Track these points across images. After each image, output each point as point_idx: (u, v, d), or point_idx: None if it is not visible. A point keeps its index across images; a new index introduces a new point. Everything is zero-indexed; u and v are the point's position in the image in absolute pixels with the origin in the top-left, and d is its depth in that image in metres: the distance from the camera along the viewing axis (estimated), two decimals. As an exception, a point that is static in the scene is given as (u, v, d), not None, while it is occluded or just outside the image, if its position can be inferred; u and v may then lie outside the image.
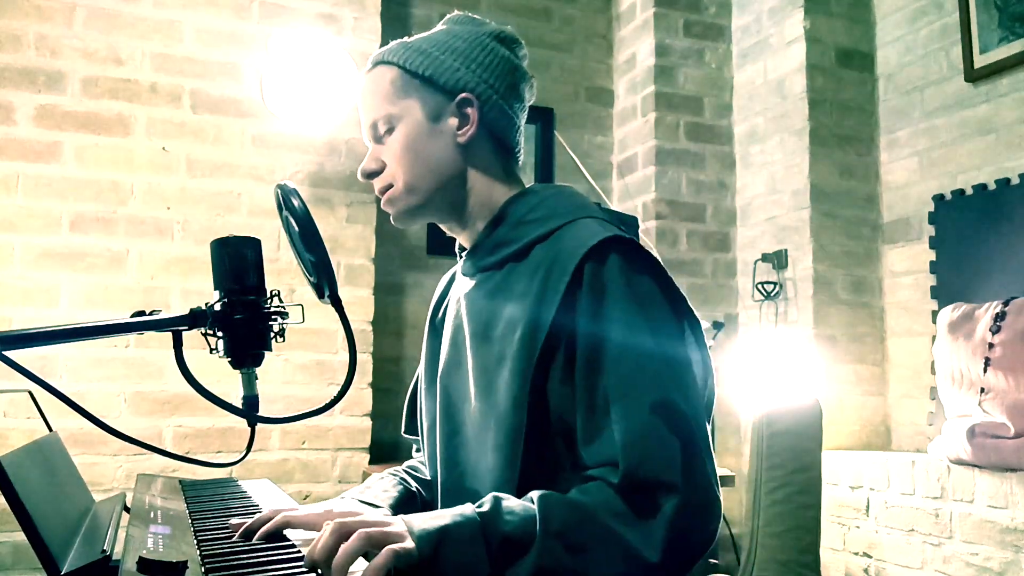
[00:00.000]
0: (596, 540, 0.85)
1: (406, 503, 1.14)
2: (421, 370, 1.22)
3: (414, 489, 1.18)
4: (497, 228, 1.08)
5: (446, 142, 1.08)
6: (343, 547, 0.76)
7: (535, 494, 0.87)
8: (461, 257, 1.17)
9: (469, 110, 1.07)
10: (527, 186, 1.13)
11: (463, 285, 1.13)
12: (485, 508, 0.85)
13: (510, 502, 0.86)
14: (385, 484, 1.16)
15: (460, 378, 1.07)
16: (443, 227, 1.16)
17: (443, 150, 1.08)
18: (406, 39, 1.12)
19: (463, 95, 1.07)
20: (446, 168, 1.08)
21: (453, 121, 1.08)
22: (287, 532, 0.93)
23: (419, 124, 1.08)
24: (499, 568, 0.81)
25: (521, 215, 1.07)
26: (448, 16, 1.17)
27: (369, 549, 0.77)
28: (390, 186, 1.10)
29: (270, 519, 0.93)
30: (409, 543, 0.78)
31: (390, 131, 1.09)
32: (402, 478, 1.20)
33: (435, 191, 1.09)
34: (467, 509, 0.85)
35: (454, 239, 1.19)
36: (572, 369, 0.95)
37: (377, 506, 1.08)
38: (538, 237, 1.04)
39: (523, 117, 1.15)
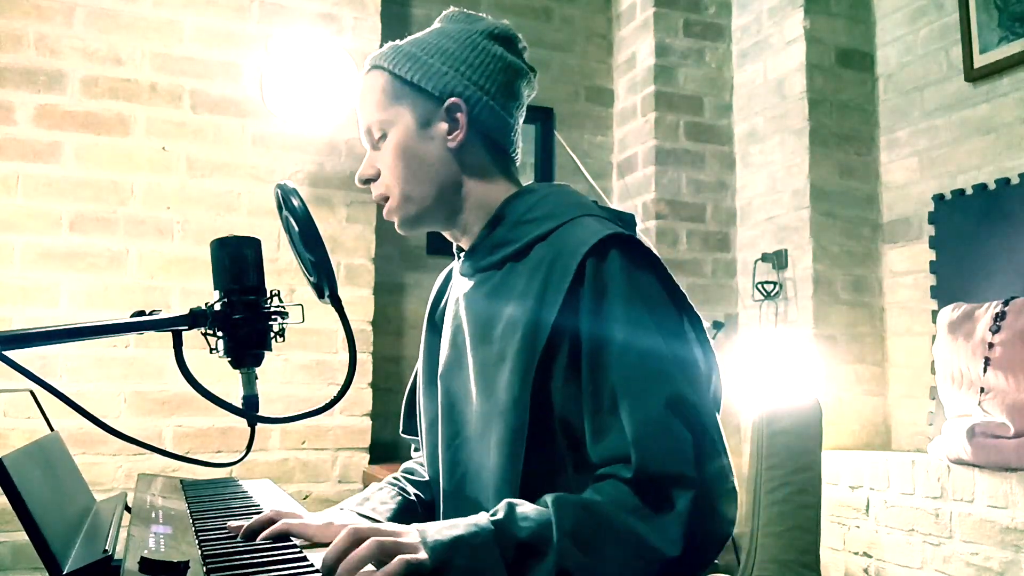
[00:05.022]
0: (612, 538, 0.84)
1: (405, 514, 1.13)
2: (419, 368, 1.22)
3: (412, 497, 1.18)
4: (496, 228, 1.08)
5: (437, 148, 1.07)
6: (354, 553, 0.76)
7: (549, 497, 0.87)
8: (459, 257, 1.16)
9: (458, 115, 1.06)
10: (524, 185, 1.12)
11: (462, 285, 1.12)
12: (499, 515, 0.84)
13: (525, 507, 0.86)
14: (383, 495, 1.16)
15: (461, 378, 1.06)
16: (446, 235, 1.15)
17: (435, 156, 1.07)
18: (398, 42, 1.11)
19: (451, 100, 1.06)
20: (439, 174, 1.07)
21: (443, 126, 1.07)
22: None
23: (409, 131, 1.07)
24: (517, 574, 0.81)
25: (520, 215, 1.07)
26: (444, 13, 1.16)
27: (381, 557, 0.77)
28: (386, 197, 1.10)
29: (269, 520, 0.93)
30: (422, 554, 0.78)
31: (383, 137, 1.09)
32: (400, 487, 1.19)
33: (431, 199, 1.08)
34: (481, 518, 0.84)
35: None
36: (576, 368, 0.94)
37: (376, 520, 1.08)
38: (538, 236, 1.03)
39: (520, 115, 1.13)
